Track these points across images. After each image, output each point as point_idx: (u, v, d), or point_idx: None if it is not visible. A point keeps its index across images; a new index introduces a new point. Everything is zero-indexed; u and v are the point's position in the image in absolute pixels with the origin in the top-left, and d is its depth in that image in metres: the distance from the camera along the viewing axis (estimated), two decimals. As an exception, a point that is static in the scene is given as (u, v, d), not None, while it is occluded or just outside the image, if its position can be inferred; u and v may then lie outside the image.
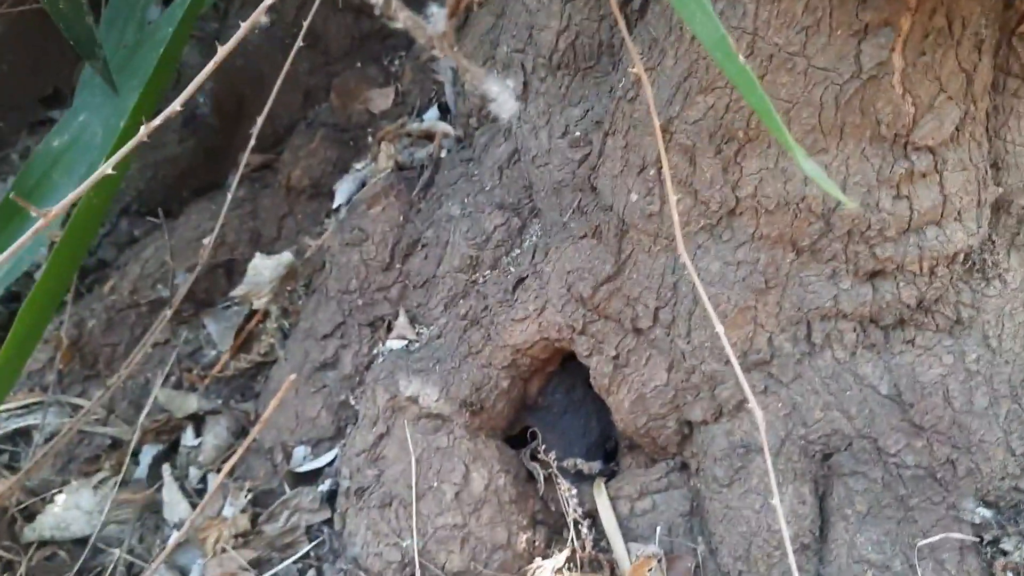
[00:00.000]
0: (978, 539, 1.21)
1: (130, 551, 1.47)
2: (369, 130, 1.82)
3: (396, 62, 1.93)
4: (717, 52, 0.73)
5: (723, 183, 1.17)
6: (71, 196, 0.90)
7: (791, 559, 0.82)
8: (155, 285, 1.77)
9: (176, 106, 0.94)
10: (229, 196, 1.46)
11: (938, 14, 1.05)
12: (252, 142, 1.46)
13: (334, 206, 1.73)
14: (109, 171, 0.95)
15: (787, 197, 1.15)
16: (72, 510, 1.50)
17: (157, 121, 0.94)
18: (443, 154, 1.68)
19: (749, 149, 1.14)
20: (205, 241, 1.53)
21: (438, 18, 0.61)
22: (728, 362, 1.23)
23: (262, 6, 0.93)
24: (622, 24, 0.87)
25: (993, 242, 1.23)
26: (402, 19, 0.62)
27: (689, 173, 1.19)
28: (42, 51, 2.46)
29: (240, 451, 1.38)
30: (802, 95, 1.09)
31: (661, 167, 1.21)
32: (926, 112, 1.09)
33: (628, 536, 1.35)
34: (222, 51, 0.95)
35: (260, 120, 1.47)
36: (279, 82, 1.55)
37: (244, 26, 0.92)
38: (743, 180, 1.16)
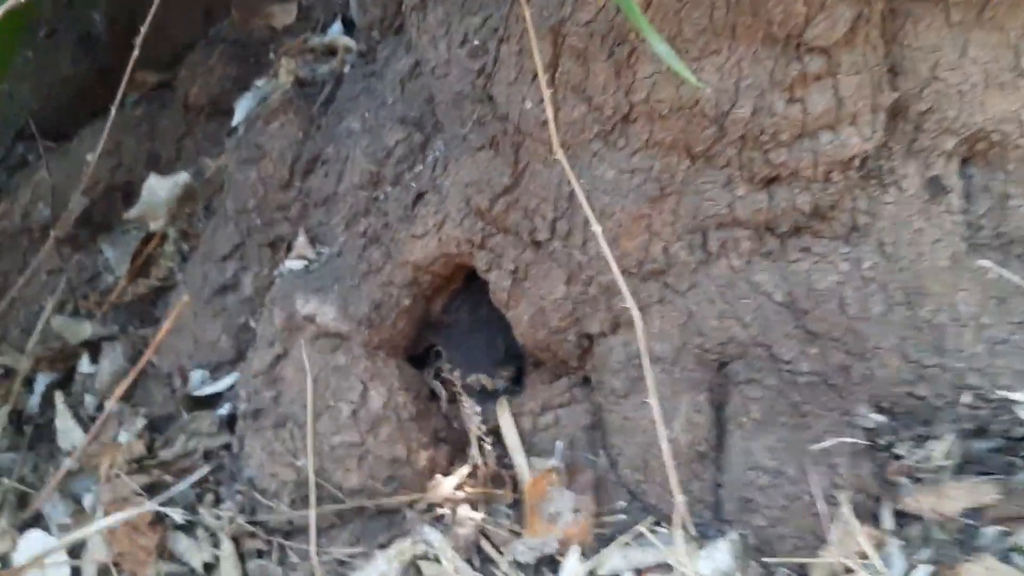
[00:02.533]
0: (871, 444, 1.22)
1: (21, 480, 1.42)
2: (271, 46, 1.75)
3: (301, -24, 1.85)
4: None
5: (616, 88, 1.14)
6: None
7: (670, 467, 0.81)
8: (47, 210, 1.70)
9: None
10: (112, 112, 1.39)
11: (830, -94, 1.02)
12: (135, 52, 1.39)
13: (233, 124, 1.66)
14: None
15: (680, 101, 1.12)
16: (-40, 440, 1.45)
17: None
18: (346, 69, 1.62)
19: (642, 52, 1.11)
20: (88, 157, 1.46)
21: None
22: (624, 271, 1.21)
23: None
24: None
25: (890, 148, 1.22)
26: None
27: (582, 78, 1.15)
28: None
29: (131, 376, 1.34)
30: (693, -7, 1.06)
31: (555, 73, 1.18)
32: (818, 11, 1.07)
33: (532, 451, 1.35)
34: None
35: (142, 31, 1.39)
36: None
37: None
38: (636, 84, 1.13)
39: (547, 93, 1.01)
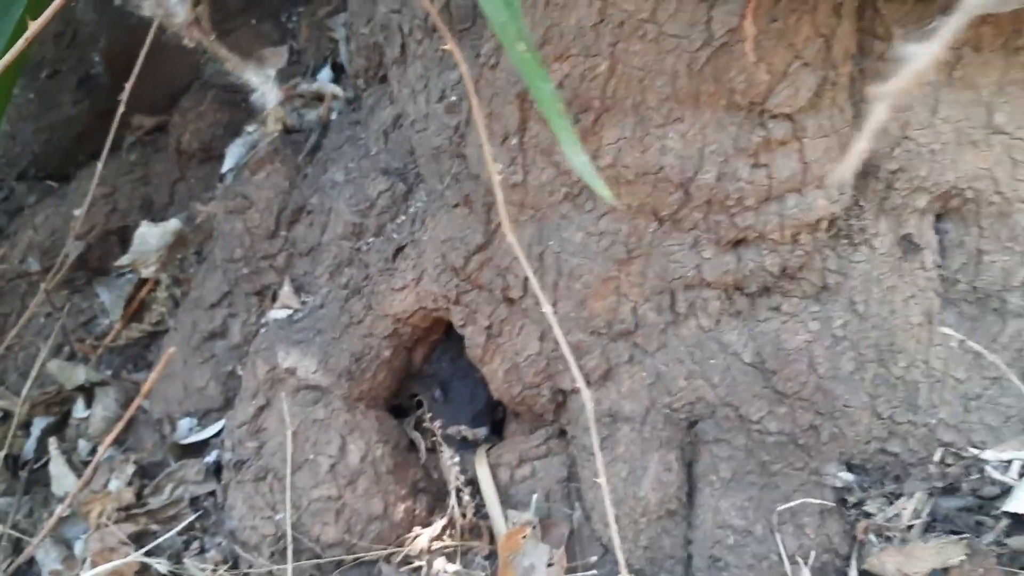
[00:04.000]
0: (841, 502, 1.22)
1: (15, 525, 1.46)
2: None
3: (293, 18, 1.88)
4: (502, 36, 0.71)
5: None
6: None
7: (614, 529, 0.82)
8: (47, 254, 1.74)
9: None
10: (100, 165, 1.42)
11: (790, -21, 1.03)
12: (121, 108, 1.42)
13: (223, 171, 1.69)
14: None
15: (646, 167, 1.13)
16: (-43, 486, 1.49)
17: None
18: (333, 116, 1.64)
19: (606, 118, 1.12)
20: (76, 212, 1.50)
21: (179, 7, 0.58)
22: (592, 332, 1.23)
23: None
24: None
25: (861, 207, 1.22)
26: (147, 7, 0.59)
27: (550, 142, 1.17)
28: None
29: (121, 424, 1.37)
30: (655, 63, 1.07)
31: (523, 136, 1.19)
32: (781, 79, 1.08)
33: (509, 503, 1.36)
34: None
35: (130, 82, 1.42)
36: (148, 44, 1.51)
37: None
38: (602, 150, 1.14)
39: (494, 170, 1.02)
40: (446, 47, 1.31)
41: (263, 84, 0.62)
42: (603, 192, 0.66)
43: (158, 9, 0.59)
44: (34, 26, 0.91)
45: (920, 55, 0.34)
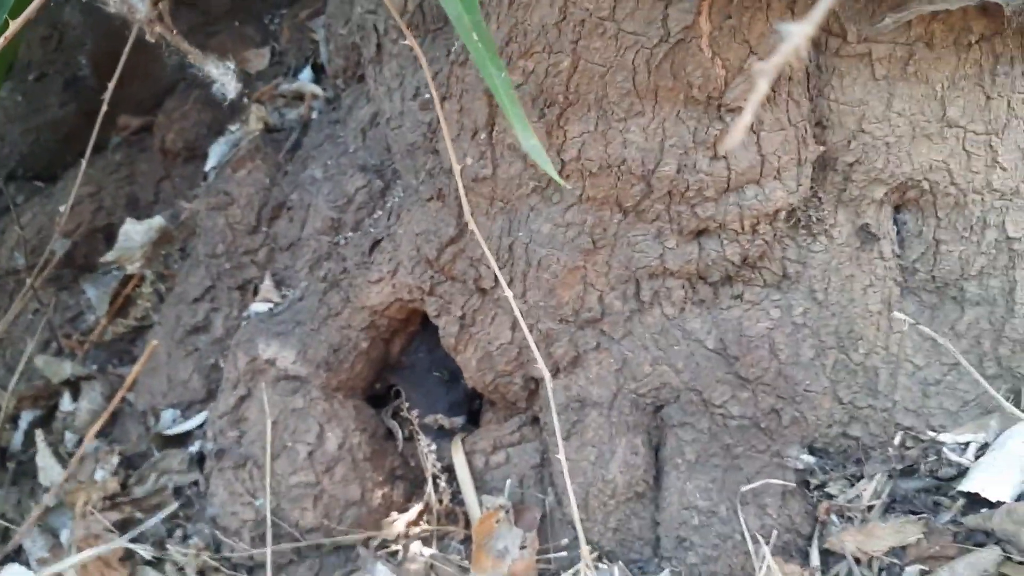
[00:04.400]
0: (804, 484, 1.26)
1: (3, 515, 1.49)
2: (245, 91, 1.81)
3: (276, 20, 1.92)
4: (458, 27, 0.75)
5: (548, 147, 1.19)
6: None
7: (575, 513, 0.86)
8: (34, 251, 1.77)
9: None
10: (83, 164, 1.45)
11: (743, -23, 1.07)
12: (104, 108, 1.45)
13: (206, 169, 1.73)
14: None
15: (609, 160, 1.17)
16: (-54, 477, 1.53)
17: None
18: (314, 115, 1.68)
19: (570, 113, 1.16)
20: (61, 209, 1.53)
21: (141, 3, 0.62)
22: (561, 320, 1.27)
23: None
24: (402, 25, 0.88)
25: (819, 199, 1.26)
26: (111, 4, 0.63)
27: (516, 137, 1.21)
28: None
29: (105, 415, 1.40)
30: (615, 59, 1.11)
31: (492, 131, 1.23)
32: (736, 74, 1.12)
33: (484, 489, 1.40)
34: None
35: (112, 82, 1.45)
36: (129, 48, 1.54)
37: None
38: (567, 144, 1.18)
39: (456, 164, 1.06)
40: (408, 43, 1.35)
41: (223, 76, 0.65)
42: (555, 175, 0.70)
43: (122, 6, 0.62)
44: (13, 25, 0.94)
45: (795, 34, 0.38)
